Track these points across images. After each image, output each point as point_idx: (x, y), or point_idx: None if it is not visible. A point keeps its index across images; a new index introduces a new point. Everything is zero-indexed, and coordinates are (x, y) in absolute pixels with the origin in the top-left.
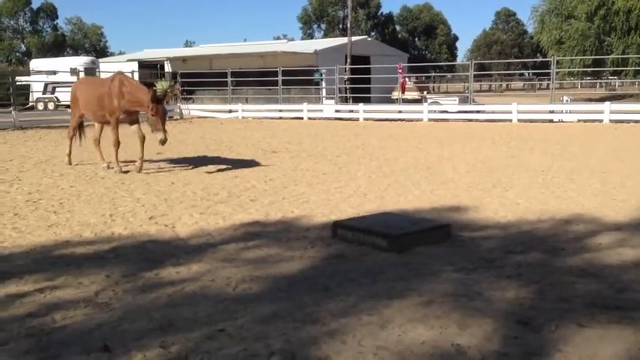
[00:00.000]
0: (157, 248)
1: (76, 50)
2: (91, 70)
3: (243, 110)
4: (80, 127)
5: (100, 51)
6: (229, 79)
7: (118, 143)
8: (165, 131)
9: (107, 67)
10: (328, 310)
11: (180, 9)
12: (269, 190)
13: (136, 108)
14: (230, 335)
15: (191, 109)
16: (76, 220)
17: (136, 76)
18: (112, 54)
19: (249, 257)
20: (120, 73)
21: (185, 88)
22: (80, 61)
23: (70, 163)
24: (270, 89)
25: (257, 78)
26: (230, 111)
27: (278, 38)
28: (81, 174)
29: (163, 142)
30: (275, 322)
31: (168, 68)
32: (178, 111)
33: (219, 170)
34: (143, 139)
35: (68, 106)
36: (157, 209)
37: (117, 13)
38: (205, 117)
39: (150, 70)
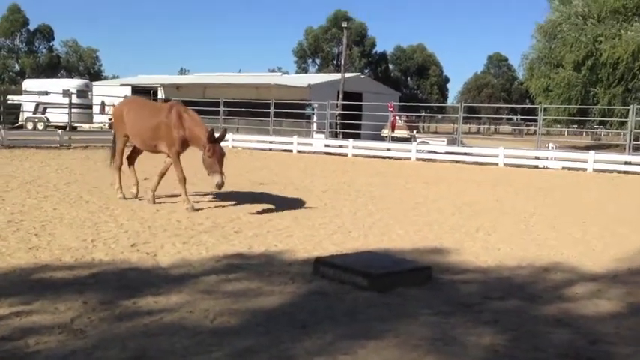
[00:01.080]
0: (137, 276)
1: (70, 72)
2: (83, 93)
3: (233, 140)
4: (134, 154)
5: (94, 74)
6: (222, 108)
7: (184, 179)
8: (222, 174)
9: (100, 91)
10: (304, 348)
11: (175, 37)
12: (254, 223)
13: (192, 144)
14: None
15: None
16: (57, 244)
17: None
18: (106, 77)
19: (229, 290)
20: (178, 102)
21: None
22: (73, 83)
23: (124, 196)
24: (261, 120)
25: (249, 109)
26: None
27: (272, 70)
28: (65, 197)
29: (220, 186)
30: (250, 357)
31: (161, 95)
32: None
33: (205, 200)
34: (162, 175)
35: (58, 127)
36: (139, 236)
37: (113, 37)
38: None
39: (143, 95)
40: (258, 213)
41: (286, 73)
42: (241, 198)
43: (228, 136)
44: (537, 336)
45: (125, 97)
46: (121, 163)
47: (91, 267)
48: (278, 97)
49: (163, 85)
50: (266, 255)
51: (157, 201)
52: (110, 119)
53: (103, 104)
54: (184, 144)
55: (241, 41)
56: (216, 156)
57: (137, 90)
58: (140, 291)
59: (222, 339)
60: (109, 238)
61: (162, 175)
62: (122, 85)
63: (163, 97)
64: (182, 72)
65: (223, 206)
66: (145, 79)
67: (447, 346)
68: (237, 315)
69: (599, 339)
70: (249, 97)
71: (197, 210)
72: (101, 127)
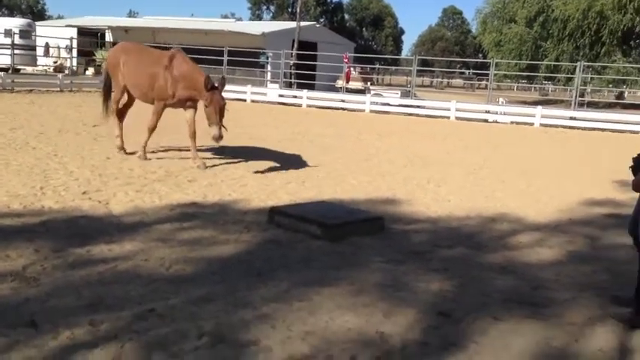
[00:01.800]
0: (89, 224)
1: (12, 11)
2: (26, 34)
3: None
4: (125, 107)
5: (37, 14)
6: None
7: (153, 128)
8: (221, 126)
9: (44, 32)
10: (260, 295)
11: None
12: (208, 172)
13: (191, 95)
14: (161, 315)
15: None
16: (4, 191)
17: (75, 44)
18: (50, 18)
19: (184, 238)
20: (179, 50)
21: None
22: (15, 23)
23: (125, 150)
24: (214, 68)
25: (201, 55)
26: None
27: (226, 17)
28: (11, 142)
29: (217, 139)
30: (206, 305)
31: (109, 37)
32: None
33: (157, 149)
34: (194, 134)
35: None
36: (90, 184)
37: None
38: None
39: (90, 38)
40: (212, 161)
41: (240, 19)
42: None
43: None
44: (483, 282)
45: (117, 43)
46: (118, 110)
47: (41, 215)
48: (231, 45)
49: (111, 28)
50: (220, 204)
51: (107, 148)
52: (98, 65)
53: (47, 46)
54: (180, 99)
55: None
56: (214, 105)
57: (83, 32)
58: (93, 239)
59: (178, 287)
60: (58, 186)
61: (193, 136)
62: (68, 26)
63: (111, 40)
64: (131, 15)
65: (176, 155)
66: (91, 21)
67: (398, 292)
68: (193, 263)
69: (541, 285)
70: (201, 43)
71: (148, 159)
72: (45, 71)
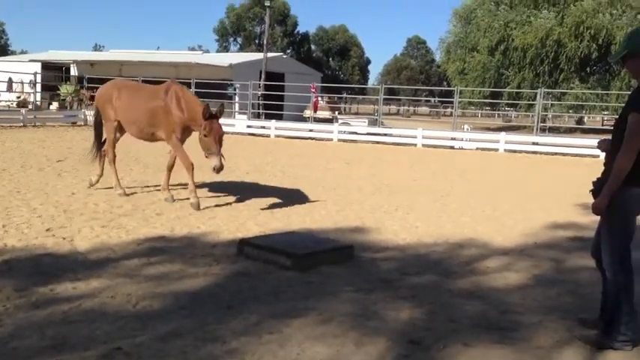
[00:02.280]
0: (53, 262)
1: None
2: None
3: None
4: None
5: (0, 49)
6: None
7: (190, 165)
8: (221, 156)
9: (7, 67)
10: (230, 329)
11: (90, 11)
12: (176, 205)
13: (192, 126)
14: (127, 354)
15: None
16: None
17: (39, 78)
18: (14, 52)
19: (152, 273)
20: (174, 82)
21: (93, 93)
22: None
23: (125, 192)
24: None
25: None
26: None
27: (193, 49)
28: None
29: (218, 169)
30: (175, 341)
31: (74, 72)
32: (83, 117)
33: (123, 181)
34: (171, 168)
35: None
36: (54, 221)
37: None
38: None
39: (54, 72)
40: (180, 195)
41: (207, 51)
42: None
43: None
44: (452, 308)
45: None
46: (114, 155)
47: (3, 253)
48: (199, 77)
49: (76, 62)
50: (189, 237)
51: (72, 184)
52: (89, 102)
53: (10, 81)
54: (186, 129)
55: (160, 18)
56: (213, 134)
57: (48, 66)
58: (57, 277)
59: (145, 323)
60: (21, 223)
61: (170, 169)
62: (31, 60)
63: (76, 74)
64: (97, 48)
65: (143, 189)
66: (56, 55)
67: (368, 321)
68: (161, 298)
69: (509, 309)
70: (168, 76)
71: (201, 208)
72: (8, 106)
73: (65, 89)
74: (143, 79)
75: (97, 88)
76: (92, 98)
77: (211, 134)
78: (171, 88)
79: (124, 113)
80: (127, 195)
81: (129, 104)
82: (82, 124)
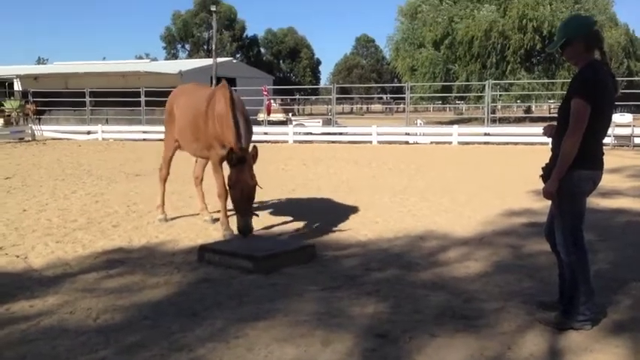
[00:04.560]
0: (7, 281)
1: None
2: None
3: (103, 131)
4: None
5: None
6: (88, 98)
7: (223, 195)
8: (249, 216)
9: None
10: (195, 336)
11: (32, 25)
12: (132, 215)
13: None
14: None
15: (44, 129)
16: None
17: None
18: None
19: (112, 286)
20: (224, 84)
21: (38, 107)
22: None
23: (166, 218)
24: (132, 110)
25: (118, 98)
26: (89, 132)
27: (140, 58)
28: None
29: (243, 232)
30: (140, 352)
31: (17, 87)
32: (30, 132)
33: (76, 195)
34: (200, 180)
35: None
36: (6, 239)
37: None
38: (61, 138)
39: None
40: (136, 205)
41: (155, 59)
42: (118, 191)
43: (97, 127)
44: (416, 300)
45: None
46: (167, 174)
47: None
48: (148, 85)
49: (19, 77)
50: (148, 247)
51: (22, 200)
52: (36, 117)
53: None
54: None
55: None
56: (239, 188)
57: None
58: (12, 296)
59: (108, 337)
60: None
61: (199, 182)
62: None
63: (20, 89)
64: (40, 62)
65: (98, 201)
66: None
67: (334, 319)
68: (123, 311)
69: (472, 297)
70: (116, 86)
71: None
72: None
73: (10, 105)
74: (91, 90)
75: (41, 102)
76: (37, 112)
77: (237, 186)
78: (216, 92)
79: (177, 127)
80: (167, 220)
81: (181, 115)
82: (30, 139)
